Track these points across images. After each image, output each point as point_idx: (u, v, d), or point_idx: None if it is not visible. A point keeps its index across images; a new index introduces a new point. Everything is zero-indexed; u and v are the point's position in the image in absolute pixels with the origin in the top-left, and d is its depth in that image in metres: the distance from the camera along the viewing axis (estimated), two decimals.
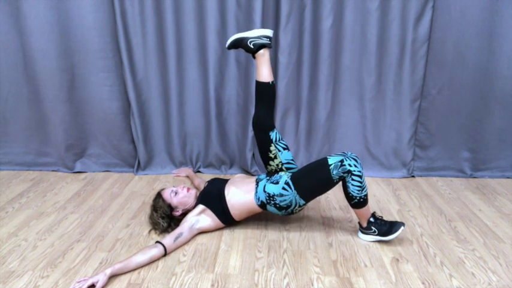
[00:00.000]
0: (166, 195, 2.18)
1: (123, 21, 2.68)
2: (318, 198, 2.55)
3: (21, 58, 2.81)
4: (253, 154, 2.99)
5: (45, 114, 2.93)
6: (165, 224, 2.12)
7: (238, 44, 2.18)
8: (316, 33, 2.72)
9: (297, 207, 2.06)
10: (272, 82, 2.17)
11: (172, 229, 2.07)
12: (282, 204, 2.04)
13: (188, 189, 2.20)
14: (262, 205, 2.08)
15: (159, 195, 2.21)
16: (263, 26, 2.67)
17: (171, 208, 2.16)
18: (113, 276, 1.76)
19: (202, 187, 2.57)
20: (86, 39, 2.76)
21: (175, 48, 2.79)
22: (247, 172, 2.99)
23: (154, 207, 2.16)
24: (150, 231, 2.17)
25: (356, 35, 2.72)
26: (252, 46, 2.14)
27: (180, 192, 2.18)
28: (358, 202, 1.98)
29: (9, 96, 2.92)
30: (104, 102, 2.90)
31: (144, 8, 2.70)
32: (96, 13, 2.71)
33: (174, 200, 2.16)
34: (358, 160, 1.94)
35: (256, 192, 2.09)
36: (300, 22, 2.71)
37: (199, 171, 3.08)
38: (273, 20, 2.73)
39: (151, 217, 2.18)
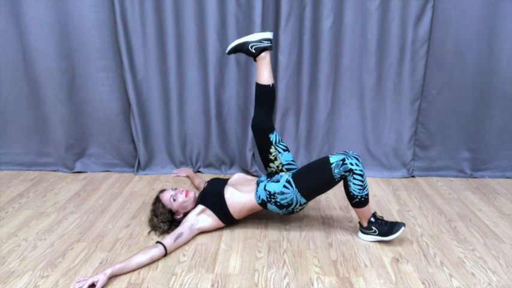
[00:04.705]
0: (166, 200, 2.15)
1: (123, 21, 2.68)
2: (318, 198, 2.55)
3: (21, 58, 2.81)
4: (253, 154, 2.99)
5: (45, 114, 2.93)
6: (166, 227, 2.12)
7: (239, 49, 2.19)
8: (316, 33, 2.72)
9: (297, 206, 2.06)
10: (272, 85, 2.17)
11: (173, 230, 2.07)
12: (282, 202, 2.04)
13: (187, 192, 2.17)
14: (262, 203, 2.08)
15: (158, 199, 2.18)
16: (263, 26, 2.67)
17: (172, 213, 2.15)
18: (113, 276, 1.76)
19: (202, 187, 2.57)
20: (86, 39, 2.76)
21: (175, 48, 2.79)
22: (247, 172, 2.99)
23: (155, 213, 2.15)
24: (150, 232, 2.17)
25: (356, 35, 2.72)
26: (253, 50, 2.15)
27: (179, 196, 2.14)
28: (359, 201, 1.99)
29: (9, 97, 2.92)
30: (104, 102, 2.90)
31: (144, 8, 2.70)
32: (96, 13, 2.71)
33: (174, 205, 2.14)
34: (359, 159, 1.94)
35: (257, 191, 2.09)
36: (300, 22, 2.71)
37: (199, 171, 3.08)
38: (273, 20, 2.73)
39: (151, 221, 2.17)
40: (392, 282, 1.77)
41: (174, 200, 2.14)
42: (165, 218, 2.12)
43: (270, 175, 2.23)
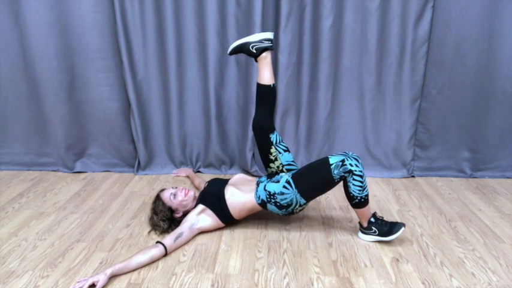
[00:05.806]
0: (166, 198, 2.17)
1: (123, 21, 2.68)
2: (318, 198, 2.55)
3: (21, 58, 2.81)
4: (253, 154, 2.99)
5: (45, 114, 2.93)
6: (166, 226, 2.12)
7: (240, 49, 2.19)
8: (316, 33, 2.72)
9: (297, 207, 2.06)
10: (273, 85, 2.17)
11: (173, 229, 2.07)
12: (282, 202, 2.04)
13: (187, 191, 2.19)
14: (262, 204, 2.08)
15: (158, 197, 2.20)
16: (263, 26, 2.67)
17: (171, 211, 2.15)
18: (113, 276, 1.76)
19: (202, 187, 2.57)
20: (86, 39, 2.76)
21: (175, 48, 2.79)
22: (247, 172, 2.99)
23: (155, 211, 2.16)
24: (150, 232, 2.17)
25: (356, 35, 2.72)
26: (254, 51, 2.15)
27: (179, 194, 2.16)
28: (359, 202, 1.99)
29: (9, 96, 2.92)
30: (104, 102, 2.90)
31: (144, 8, 2.70)
32: (96, 13, 2.71)
33: (174, 203, 2.15)
34: (359, 160, 1.94)
35: (257, 191, 2.09)
36: (300, 22, 2.71)
37: (199, 171, 3.08)
38: (273, 20, 2.73)
39: (151, 219, 2.17)
40: (392, 282, 1.77)
41: (174, 197, 2.15)
42: (164, 216, 2.13)
43: (270, 175, 2.23)
